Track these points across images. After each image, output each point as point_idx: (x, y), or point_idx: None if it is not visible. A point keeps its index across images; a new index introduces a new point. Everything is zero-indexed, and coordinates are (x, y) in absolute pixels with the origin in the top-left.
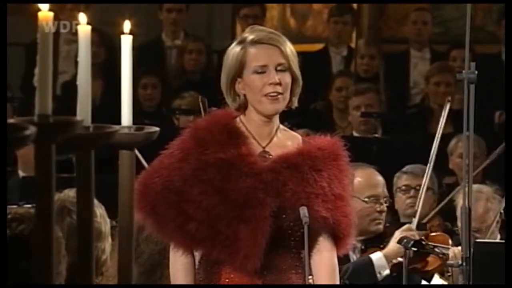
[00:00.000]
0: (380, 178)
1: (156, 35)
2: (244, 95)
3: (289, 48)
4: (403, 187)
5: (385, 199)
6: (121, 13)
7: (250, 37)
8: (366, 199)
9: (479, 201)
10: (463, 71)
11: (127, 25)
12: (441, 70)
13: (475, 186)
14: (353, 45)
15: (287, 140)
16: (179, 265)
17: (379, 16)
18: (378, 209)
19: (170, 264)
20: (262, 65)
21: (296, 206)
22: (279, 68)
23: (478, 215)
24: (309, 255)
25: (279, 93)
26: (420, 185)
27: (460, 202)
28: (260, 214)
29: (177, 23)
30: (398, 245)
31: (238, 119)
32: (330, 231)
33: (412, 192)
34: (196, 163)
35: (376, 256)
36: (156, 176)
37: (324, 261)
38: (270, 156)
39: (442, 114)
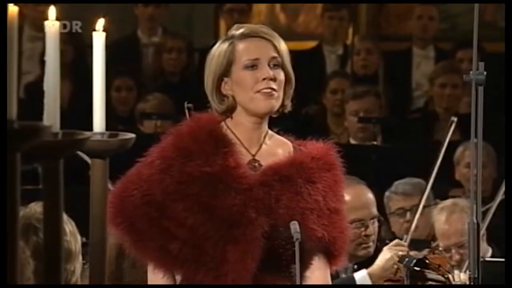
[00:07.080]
0: (369, 197)
1: (131, 31)
2: (233, 96)
3: (282, 43)
4: (398, 211)
5: (372, 220)
6: (92, 7)
7: (239, 31)
8: (349, 224)
9: (454, 213)
10: (471, 72)
11: (99, 22)
12: (447, 71)
13: (451, 200)
14: (349, 43)
15: (277, 147)
16: None
17: (379, 11)
18: (364, 233)
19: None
20: (254, 59)
21: (290, 224)
22: (272, 63)
23: (457, 229)
24: (301, 275)
25: (273, 90)
26: (414, 205)
27: (438, 218)
28: (251, 234)
29: (154, 18)
30: (384, 262)
31: (223, 124)
32: (324, 249)
33: (408, 215)
34: (179, 175)
35: (360, 275)
36: (133, 188)
37: (317, 281)
38: (261, 166)
39: (448, 133)
